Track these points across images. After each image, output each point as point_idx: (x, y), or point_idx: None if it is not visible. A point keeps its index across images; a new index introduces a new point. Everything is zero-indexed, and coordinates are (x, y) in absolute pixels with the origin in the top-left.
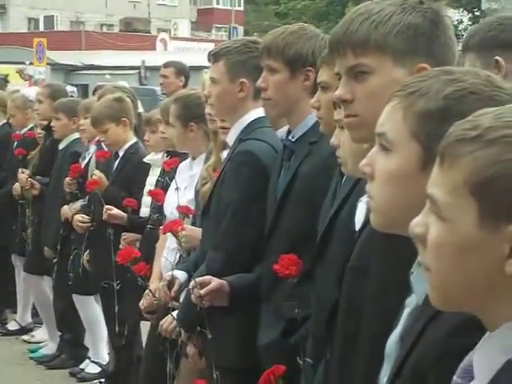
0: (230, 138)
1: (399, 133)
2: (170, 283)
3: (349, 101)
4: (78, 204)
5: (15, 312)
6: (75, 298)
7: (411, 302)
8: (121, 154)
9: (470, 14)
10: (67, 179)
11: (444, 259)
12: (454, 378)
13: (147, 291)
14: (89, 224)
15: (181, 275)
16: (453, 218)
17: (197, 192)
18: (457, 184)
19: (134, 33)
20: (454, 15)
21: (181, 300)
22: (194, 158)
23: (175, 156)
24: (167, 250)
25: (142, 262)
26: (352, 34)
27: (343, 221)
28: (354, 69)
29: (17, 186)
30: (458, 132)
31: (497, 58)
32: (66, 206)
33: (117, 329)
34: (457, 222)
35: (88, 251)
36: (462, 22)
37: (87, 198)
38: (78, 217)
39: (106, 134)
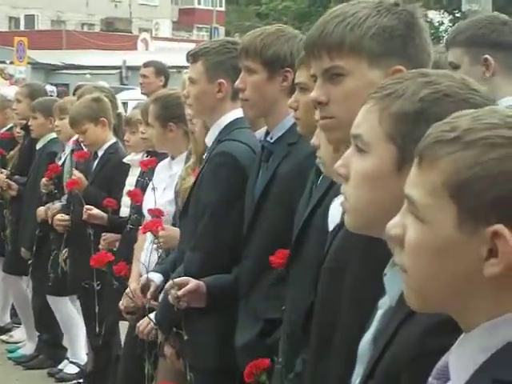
0: (209, 138)
1: (375, 134)
2: (145, 286)
3: (324, 103)
4: (58, 204)
5: None
6: (50, 299)
7: (384, 303)
8: (100, 154)
9: (451, 16)
10: (43, 180)
11: (422, 261)
12: (430, 379)
13: (127, 291)
14: (69, 223)
15: (157, 278)
16: (431, 220)
17: (176, 193)
18: (435, 185)
19: (115, 32)
20: (434, 16)
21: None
22: (173, 158)
23: (156, 156)
24: (145, 251)
25: (122, 262)
26: (327, 37)
27: (318, 221)
28: (330, 71)
29: None
30: (437, 133)
31: (486, 56)
32: (41, 207)
33: (97, 329)
34: (435, 223)
35: (65, 251)
36: (442, 23)
37: (66, 197)
38: (58, 216)
39: (85, 135)
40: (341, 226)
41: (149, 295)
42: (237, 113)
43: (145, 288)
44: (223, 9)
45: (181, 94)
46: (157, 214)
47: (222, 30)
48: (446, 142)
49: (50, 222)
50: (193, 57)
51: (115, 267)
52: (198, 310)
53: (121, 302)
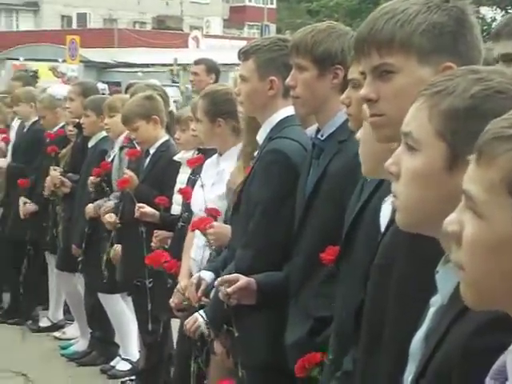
0: (260, 136)
1: (425, 132)
2: (198, 285)
3: (374, 100)
4: (111, 203)
5: (47, 309)
6: (101, 296)
7: (436, 301)
8: (152, 151)
9: (504, 12)
10: (91, 178)
11: (479, 257)
12: (487, 379)
13: (177, 288)
14: (116, 223)
15: (208, 276)
16: (489, 216)
17: (229, 190)
18: (494, 182)
19: (167, 30)
20: (487, 13)
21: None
22: (220, 154)
23: (205, 154)
24: (195, 248)
25: (173, 260)
26: (377, 33)
27: (368, 218)
28: (379, 68)
29: (48, 183)
30: (496, 129)
31: None
32: (90, 205)
33: (150, 327)
34: (493, 219)
35: (114, 248)
36: (495, 19)
37: (116, 195)
38: (107, 216)
39: (137, 132)
40: (391, 222)
41: (199, 293)
42: (288, 110)
43: (197, 286)
44: (274, 6)
45: (230, 90)
46: (213, 213)
47: (272, 27)
48: (506, 139)
49: (100, 219)
50: (244, 54)
51: (166, 265)
52: (249, 307)
53: (171, 300)
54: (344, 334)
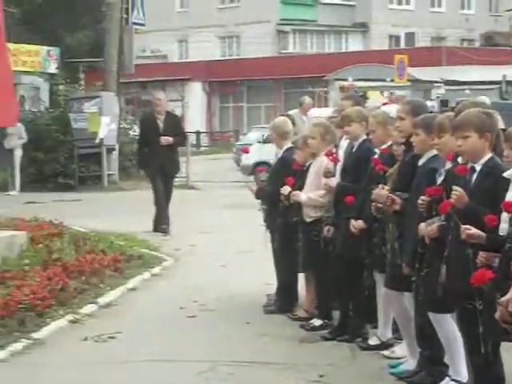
0: None
1: None
2: None
3: None
4: (435, 225)
5: (376, 327)
6: (431, 315)
7: None
8: (477, 168)
9: None
10: (422, 197)
11: None
12: None
13: (500, 301)
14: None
15: None
16: None
17: None
18: None
19: (495, 47)
20: None
21: None
22: None
23: None
24: None
25: (482, 269)
26: None
27: None
28: None
29: (376, 201)
30: None
31: None
32: (422, 224)
33: (482, 349)
34: None
35: (443, 269)
36: None
37: (444, 216)
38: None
39: (465, 141)
40: None
41: None
42: None
43: None
44: None
45: None
46: None
47: None
48: None
49: (425, 239)
50: None
51: (477, 273)
52: None
53: (496, 313)
54: None
